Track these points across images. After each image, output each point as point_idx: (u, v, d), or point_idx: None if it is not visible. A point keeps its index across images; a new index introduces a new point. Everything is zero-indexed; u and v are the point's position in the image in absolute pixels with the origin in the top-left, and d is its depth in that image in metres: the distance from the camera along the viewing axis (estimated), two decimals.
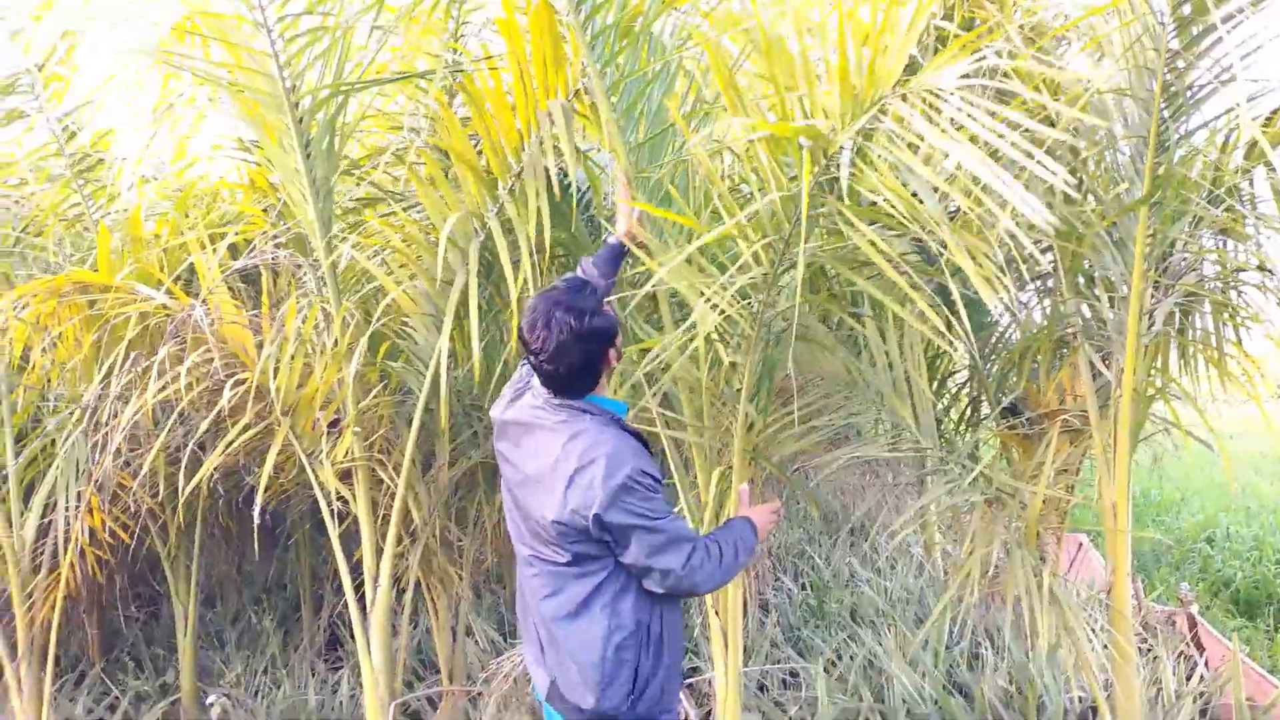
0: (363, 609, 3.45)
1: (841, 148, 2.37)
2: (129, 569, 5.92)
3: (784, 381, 3.59)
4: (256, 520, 3.16)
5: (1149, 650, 4.56)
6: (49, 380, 3.59)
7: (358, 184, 3.69)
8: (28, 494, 3.77)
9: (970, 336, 3.62)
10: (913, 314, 2.82)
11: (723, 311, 2.75)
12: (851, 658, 4.39)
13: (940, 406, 4.09)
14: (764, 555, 6.21)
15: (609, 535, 2.22)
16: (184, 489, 3.18)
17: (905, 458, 3.43)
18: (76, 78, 4.14)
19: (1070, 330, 3.33)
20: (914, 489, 3.58)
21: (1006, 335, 3.74)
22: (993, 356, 3.83)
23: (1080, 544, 6.89)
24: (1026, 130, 2.08)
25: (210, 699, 4.15)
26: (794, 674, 4.55)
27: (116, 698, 4.76)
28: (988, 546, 3.09)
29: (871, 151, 2.38)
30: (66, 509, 3.51)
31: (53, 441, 3.68)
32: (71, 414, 3.45)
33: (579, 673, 2.30)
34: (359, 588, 3.46)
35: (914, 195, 2.32)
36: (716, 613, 3.16)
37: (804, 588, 6.10)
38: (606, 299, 2.75)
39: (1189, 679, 4.10)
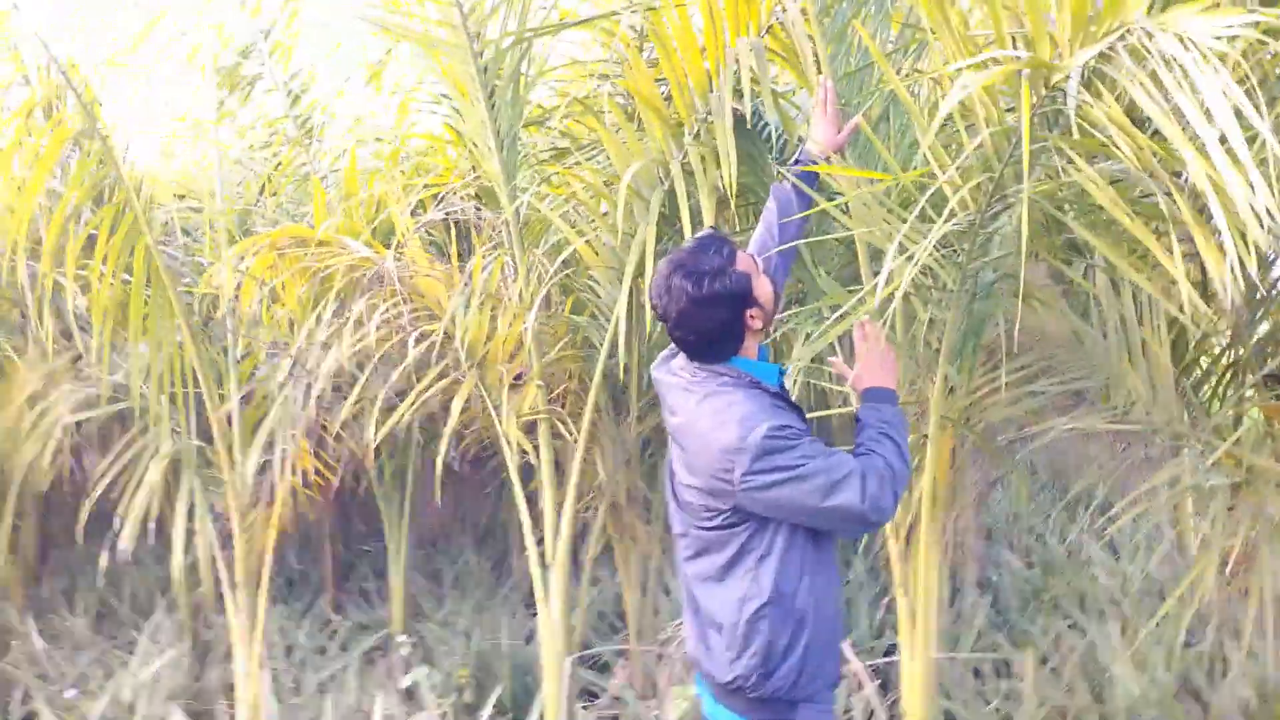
0: (543, 562, 3.45)
1: (1069, 76, 2.05)
2: (360, 508, 6.33)
3: (995, 341, 3.26)
4: (438, 470, 3.20)
5: None
6: (267, 329, 3.78)
7: (546, 134, 3.64)
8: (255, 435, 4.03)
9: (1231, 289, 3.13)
10: (1150, 269, 2.43)
11: (921, 263, 2.49)
12: (1072, 649, 3.99)
13: (1192, 372, 3.60)
14: (982, 531, 5.80)
15: (761, 498, 2.04)
16: (375, 436, 3.28)
17: (1141, 430, 3.01)
18: (298, 45, 4.33)
19: None
20: (1153, 465, 3.15)
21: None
22: (1260, 311, 3.29)
23: None
24: None
25: (400, 638, 4.33)
26: (1007, 664, 4.20)
27: (336, 629, 5.08)
28: (1233, 536, 2.67)
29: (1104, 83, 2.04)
30: (281, 451, 3.72)
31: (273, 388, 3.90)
32: (280, 361, 3.63)
33: (715, 640, 2.15)
34: (541, 540, 3.46)
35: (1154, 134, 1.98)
36: (905, 592, 2.92)
37: (1031, 567, 5.65)
38: (799, 229, 2.53)
39: None
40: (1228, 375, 3.43)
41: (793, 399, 2.28)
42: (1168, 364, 2.95)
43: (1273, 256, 3.07)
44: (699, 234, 2.30)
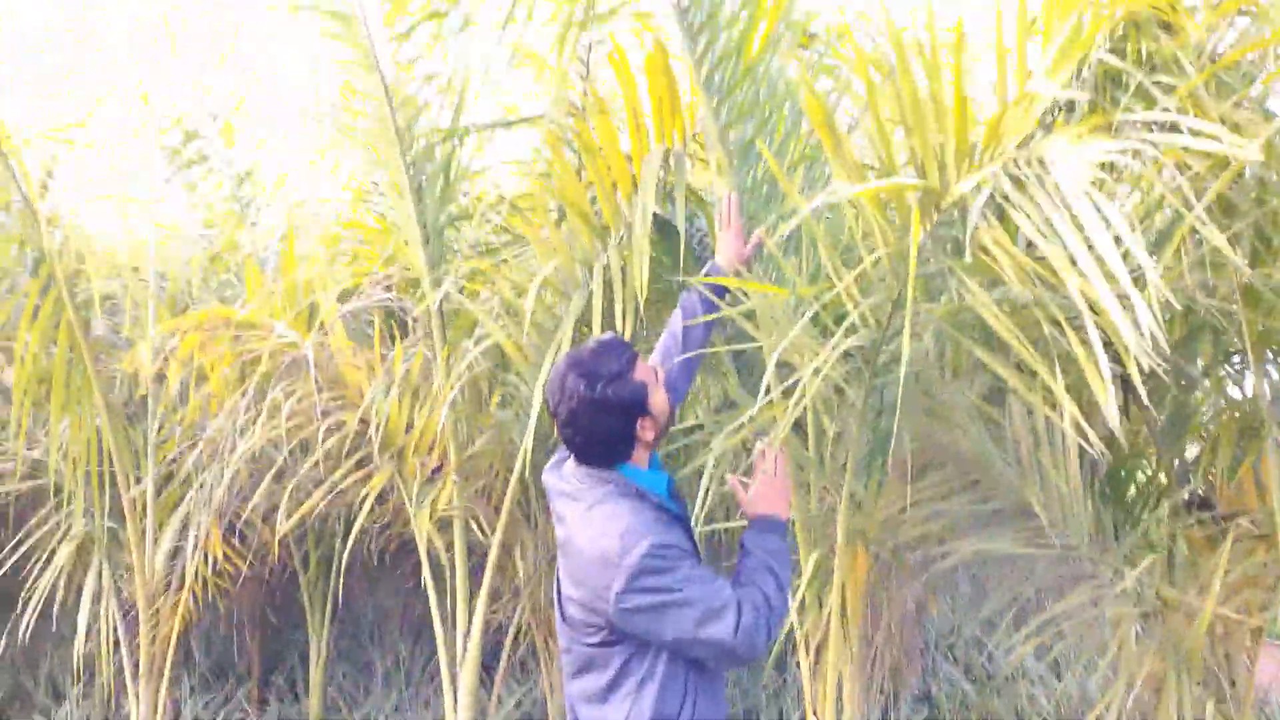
0: (453, 662, 3.35)
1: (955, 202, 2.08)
2: (291, 596, 6.18)
3: (909, 456, 3.26)
4: (343, 559, 3.12)
5: None
6: (189, 411, 3.73)
7: (481, 226, 3.66)
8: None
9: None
10: (1050, 391, 2.43)
11: (827, 377, 2.49)
12: None
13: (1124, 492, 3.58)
14: (924, 644, 5.71)
15: (635, 620, 1.98)
16: (289, 524, 3.21)
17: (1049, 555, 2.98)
18: (245, 128, 4.37)
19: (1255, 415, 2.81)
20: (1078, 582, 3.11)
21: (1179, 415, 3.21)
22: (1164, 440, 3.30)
23: None
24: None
25: None
26: None
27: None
28: (1140, 668, 2.62)
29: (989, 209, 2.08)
30: (194, 537, 3.63)
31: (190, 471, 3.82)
32: (199, 445, 3.57)
33: None
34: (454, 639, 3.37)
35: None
36: (814, 711, 2.84)
37: (973, 681, 5.55)
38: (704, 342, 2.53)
39: None
40: (1152, 499, 3.42)
41: (681, 511, 2.24)
42: (1078, 486, 2.93)
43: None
44: (602, 336, 2.28)
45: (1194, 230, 2.79)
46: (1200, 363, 3.11)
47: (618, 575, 1.95)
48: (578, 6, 2.68)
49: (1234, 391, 3.24)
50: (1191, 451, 3.41)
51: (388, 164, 3.18)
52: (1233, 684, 3.57)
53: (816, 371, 2.45)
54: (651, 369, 2.21)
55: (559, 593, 2.22)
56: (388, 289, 3.51)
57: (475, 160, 3.34)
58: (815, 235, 2.34)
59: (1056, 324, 2.05)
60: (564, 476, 2.22)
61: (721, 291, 2.60)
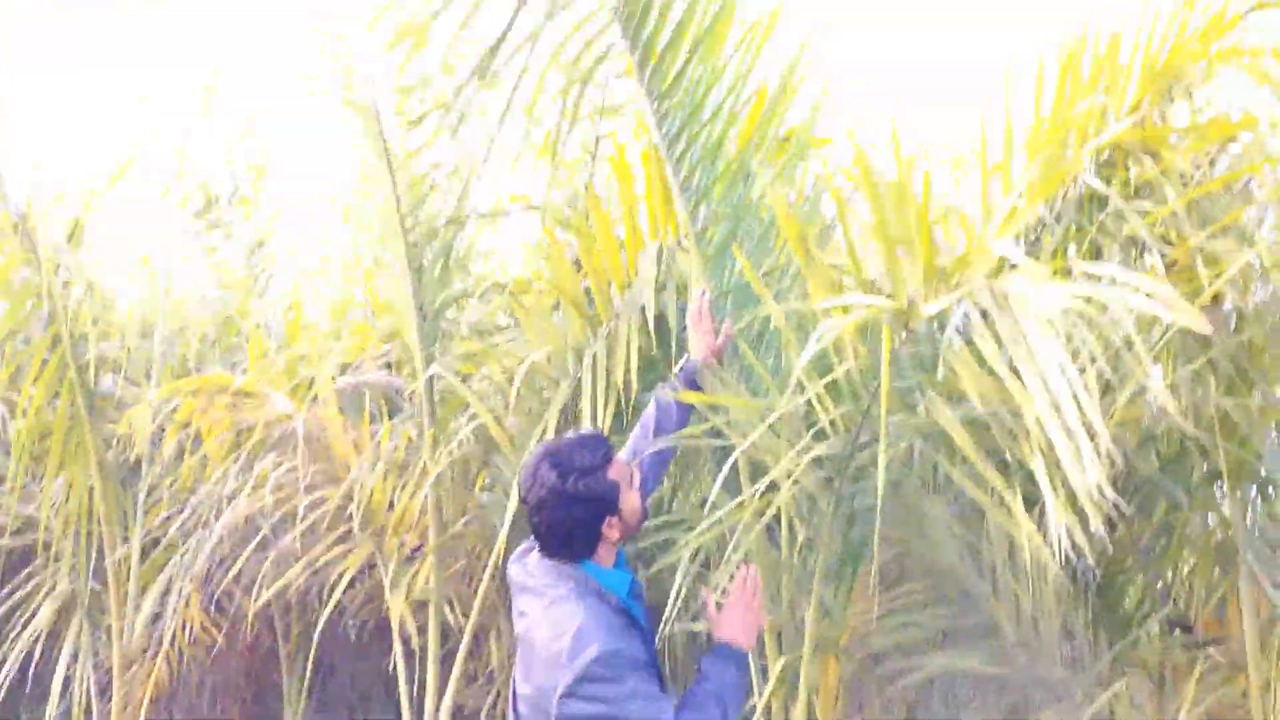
0: None
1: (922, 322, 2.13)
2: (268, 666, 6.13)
3: (882, 567, 3.26)
4: (320, 633, 3.12)
5: None
6: (181, 475, 3.78)
7: (483, 307, 3.73)
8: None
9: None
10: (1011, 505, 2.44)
11: (796, 481, 2.52)
12: None
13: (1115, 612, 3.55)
14: None
15: None
16: (268, 596, 3.23)
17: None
18: (263, 200, 4.52)
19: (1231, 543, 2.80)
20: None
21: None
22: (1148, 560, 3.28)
23: None
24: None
25: None
26: None
27: None
28: None
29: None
30: (174, 603, 3.65)
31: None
32: (183, 510, 3.61)
33: None
34: None
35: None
36: None
37: None
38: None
39: None
40: (1133, 621, 3.39)
41: (643, 613, 2.24)
42: (1052, 607, 2.91)
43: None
44: (583, 430, 2.31)
45: (1176, 354, 2.84)
46: (1193, 478, 3.11)
47: (563, 677, 1.95)
48: (579, 102, 2.77)
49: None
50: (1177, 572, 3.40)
51: (391, 245, 3.28)
52: None
53: (789, 475, 2.49)
54: (628, 469, 2.23)
55: (514, 686, 2.22)
56: (384, 365, 3.58)
57: (477, 243, 3.43)
58: (789, 340, 2.39)
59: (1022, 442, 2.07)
60: (528, 570, 2.23)
61: (696, 386, 2.64)
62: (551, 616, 2.07)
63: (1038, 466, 1.88)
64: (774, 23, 2.57)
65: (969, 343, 2.09)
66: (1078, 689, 2.81)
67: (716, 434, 3.01)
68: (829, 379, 2.33)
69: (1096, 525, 1.89)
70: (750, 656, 2.26)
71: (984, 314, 1.99)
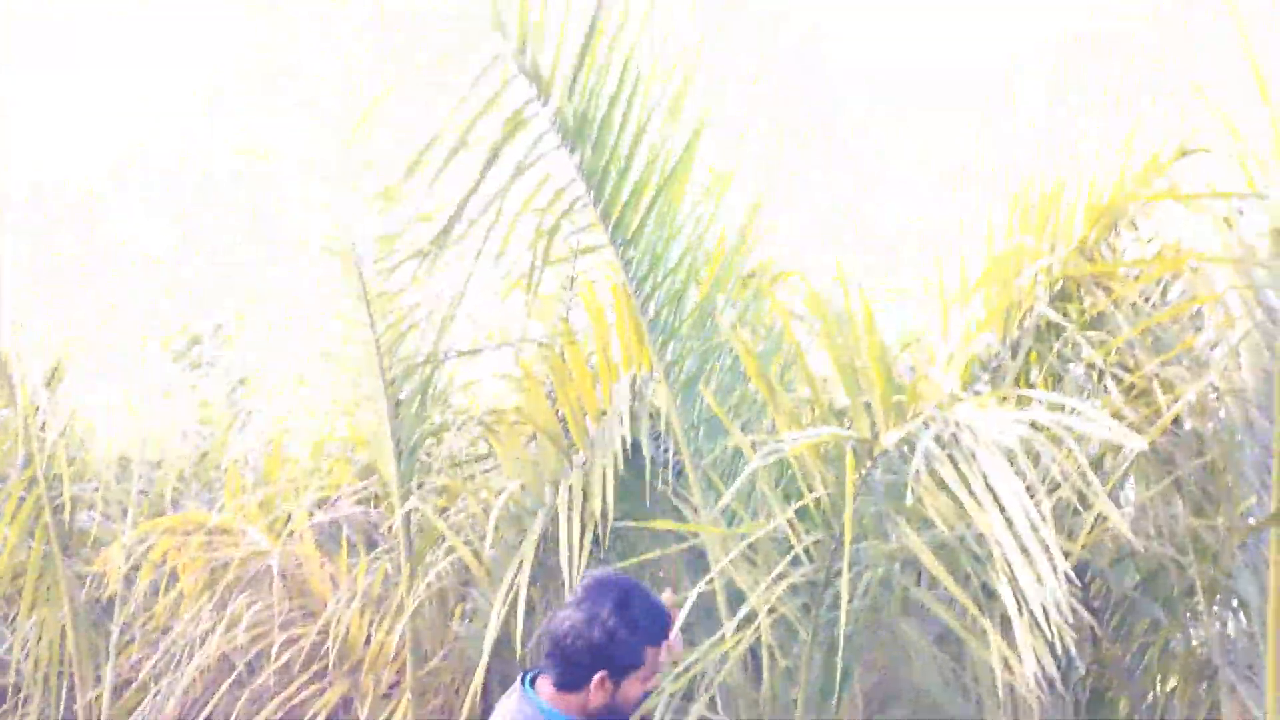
0: None
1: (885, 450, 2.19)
2: None
3: (872, 689, 3.24)
4: None
5: None
6: (154, 615, 3.74)
7: (462, 436, 3.77)
8: None
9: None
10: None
11: (772, 610, 2.53)
12: None
13: None
14: None
15: None
16: None
17: None
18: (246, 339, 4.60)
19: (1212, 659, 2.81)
20: None
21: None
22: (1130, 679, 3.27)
23: None
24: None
25: None
26: None
27: None
28: None
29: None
30: None
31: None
32: (156, 648, 3.55)
33: None
34: None
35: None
36: None
37: None
38: None
39: None
40: None
41: None
42: None
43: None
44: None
45: (1140, 478, 2.90)
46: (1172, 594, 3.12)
47: None
48: (549, 246, 2.88)
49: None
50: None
51: (369, 382, 3.33)
52: None
53: (767, 605, 2.50)
54: (658, 665, 2.18)
55: None
56: (362, 500, 3.59)
57: (456, 378, 3.50)
58: (758, 473, 2.43)
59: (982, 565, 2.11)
60: (504, 711, 2.21)
61: None
62: None
63: (1003, 589, 1.91)
64: (727, 183, 2.71)
65: (932, 470, 2.14)
66: None
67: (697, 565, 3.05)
68: (799, 505, 2.37)
69: (1066, 642, 1.92)
70: None
71: (944, 443, 2.05)
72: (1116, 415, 2.58)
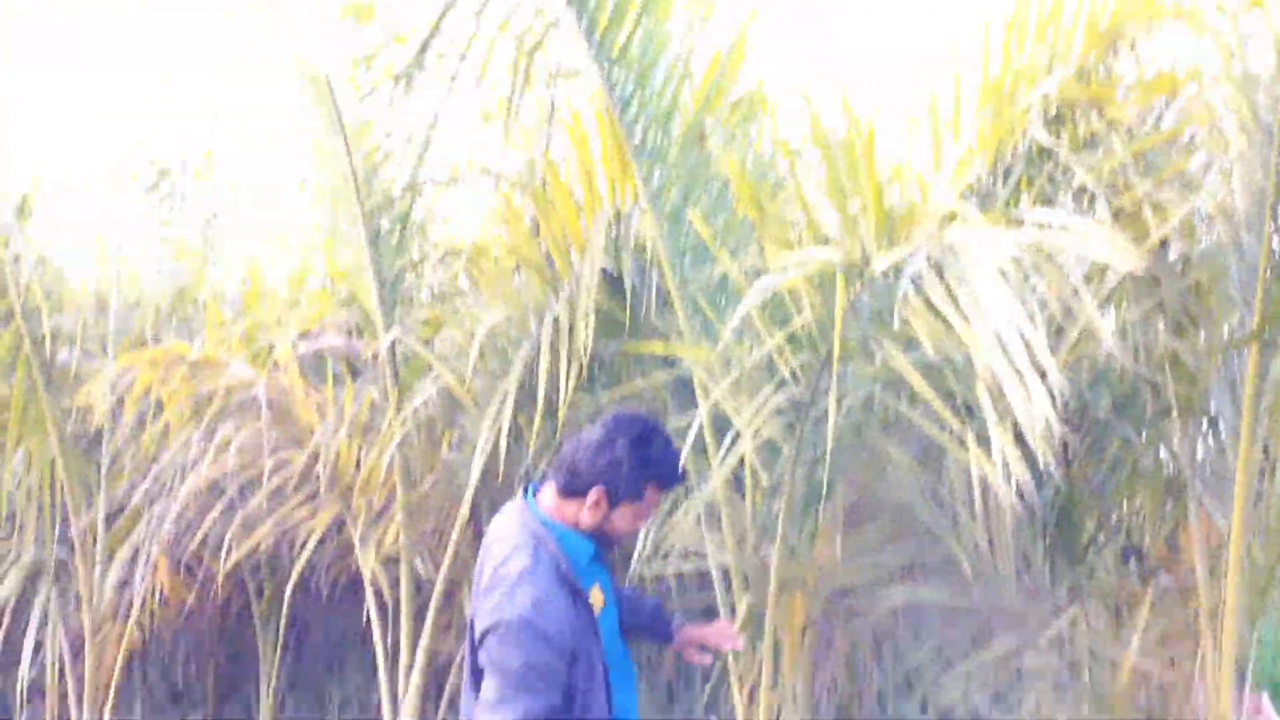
0: (394, 696, 3.39)
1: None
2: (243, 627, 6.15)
3: (852, 505, 3.34)
4: (291, 592, 3.15)
5: None
6: (142, 445, 3.77)
7: (446, 272, 3.73)
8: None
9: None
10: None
11: (760, 432, 2.58)
12: None
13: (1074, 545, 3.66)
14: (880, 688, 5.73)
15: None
16: (234, 557, 3.26)
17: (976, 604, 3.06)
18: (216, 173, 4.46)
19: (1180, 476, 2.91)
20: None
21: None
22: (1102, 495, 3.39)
23: (1260, 707, 6.03)
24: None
25: None
26: None
27: None
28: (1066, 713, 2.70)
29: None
30: (141, 567, 3.66)
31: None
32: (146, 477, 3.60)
33: None
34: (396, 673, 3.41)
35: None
36: None
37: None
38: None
39: None
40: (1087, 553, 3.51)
41: (603, 580, 2.31)
42: (1008, 540, 3.02)
43: None
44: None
45: (1127, 298, 2.92)
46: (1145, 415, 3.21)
47: (487, 617, 2.05)
48: (529, 69, 2.76)
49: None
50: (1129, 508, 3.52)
51: (347, 213, 3.26)
52: None
53: (751, 424, 2.55)
54: (655, 507, 2.28)
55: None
56: (344, 332, 3.57)
57: (434, 210, 3.42)
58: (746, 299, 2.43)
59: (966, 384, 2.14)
60: (503, 516, 2.30)
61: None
62: (507, 561, 2.12)
63: (985, 406, 1.94)
64: None
65: (921, 293, 2.14)
66: (1034, 617, 2.92)
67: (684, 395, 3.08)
68: (788, 330, 2.38)
69: (1046, 459, 1.97)
70: None
71: (935, 265, 2.04)
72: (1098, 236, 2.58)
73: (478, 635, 2.09)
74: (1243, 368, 2.58)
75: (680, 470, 2.25)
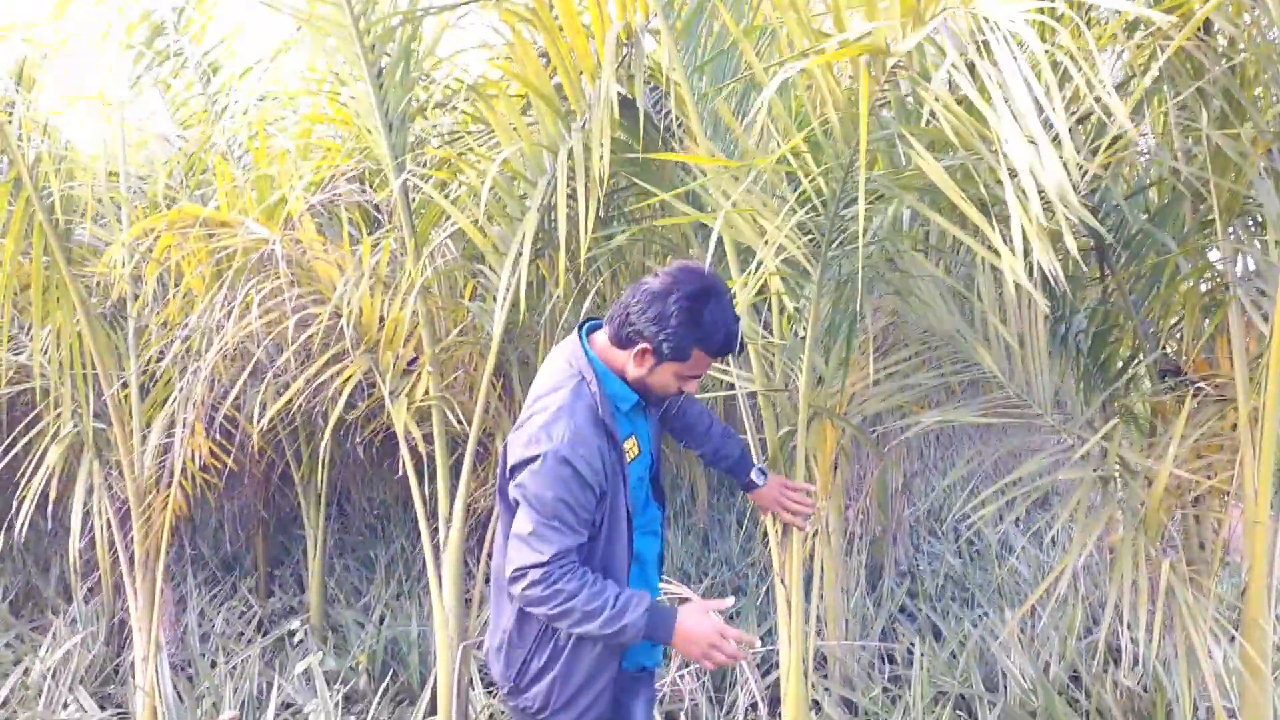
0: (436, 548, 3.44)
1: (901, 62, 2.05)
2: (288, 494, 6.32)
3: (879, 333, 3.28)
4: (329, 454, 3.18)
5: None
6: (164, 311, 3.76)
7: (452, 114, 3.61)
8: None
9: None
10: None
11: (784, 253, 2.50)
12: (966, 639, 4.01)
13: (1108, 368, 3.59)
14: (914, 518, 5.80)
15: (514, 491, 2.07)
16: (266, 419, 3.27)
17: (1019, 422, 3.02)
18: (211, 23, 4.29)
19: (1223, 281, 2.81)
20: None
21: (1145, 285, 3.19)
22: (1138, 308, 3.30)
23: None
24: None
25: (294, 625, 4.32)
26: (911, 651, 4.22)
27: (258, 614, 5.07)
28: (1098, 528, 2.68)
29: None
30: (180, 432, 3.69)
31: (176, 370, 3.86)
32: (177, 343, 3.60)
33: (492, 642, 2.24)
34: (436, 527, 3.46)
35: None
36: (783, 580, 2.92)
37: (960, 555, 5.67)
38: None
39: None
40: (1123, 367, 3.43)
41: (642, 426, 2.32)
42: (1044, 356, 2.95)
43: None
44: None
45: (1169, 93, 2.76)
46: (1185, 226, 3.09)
47: (519, 450, 2.05)
48: None
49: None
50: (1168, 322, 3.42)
51: (346, 52, 3.13)
52: (1201, 547, 3.66)
53: (775, 246, 2.46)
54: (702, 372, 2.22)
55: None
56: (356, 180, 3.49)
57: (439, 45, 3.28)
58: (772, 104, 2.31)
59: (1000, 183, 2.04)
60: (556, 350, 2.30)
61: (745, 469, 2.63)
62: (548, 399, 2.12)
63: (1006, 188, 1.82)
64: None
65: (952, 86, 2.02)
66: (1066, 437, 2.88)
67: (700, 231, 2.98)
68: (808, 130, 2.27)
69: (1070, 246, 1.88)
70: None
71: (959, 45, 1.92)
72: (1146, 21, 2.42)
73: (510, 464, 2.09)
74: None
75: (735, 339, 2.17)
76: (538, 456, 2.02)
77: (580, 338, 2.26)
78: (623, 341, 2.17)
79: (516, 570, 2.02)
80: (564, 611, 2.00)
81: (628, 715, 2.33)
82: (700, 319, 2.09)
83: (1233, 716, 2.78)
